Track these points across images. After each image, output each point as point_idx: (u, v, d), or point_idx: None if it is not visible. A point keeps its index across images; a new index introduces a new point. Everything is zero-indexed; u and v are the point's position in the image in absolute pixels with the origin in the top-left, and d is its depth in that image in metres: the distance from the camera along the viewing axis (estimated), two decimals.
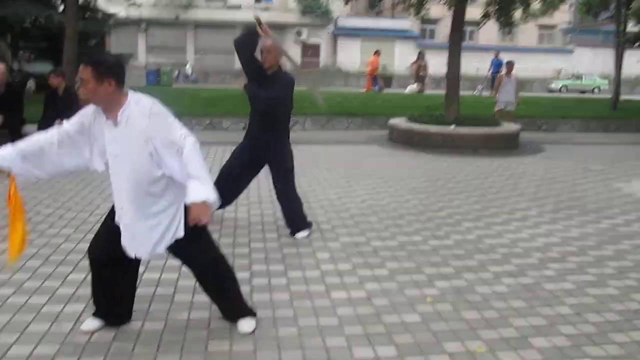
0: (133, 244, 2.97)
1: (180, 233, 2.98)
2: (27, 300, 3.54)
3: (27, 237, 2.99)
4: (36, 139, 2.90)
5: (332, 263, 4.31)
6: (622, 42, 16.48)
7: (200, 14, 36.19)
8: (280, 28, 37.67)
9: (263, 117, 4.76)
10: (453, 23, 10.99)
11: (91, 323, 3.20)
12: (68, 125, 2.93)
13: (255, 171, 5.09)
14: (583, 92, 30.35)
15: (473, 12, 15.04)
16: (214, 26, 36.83)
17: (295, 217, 4.99)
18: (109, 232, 3.03)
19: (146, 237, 2.95)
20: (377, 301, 3.65)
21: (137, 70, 25.23)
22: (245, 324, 3.21)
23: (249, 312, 3.27)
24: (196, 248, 3.07)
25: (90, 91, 2.78)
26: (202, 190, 2.74)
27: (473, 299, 3.72)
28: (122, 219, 2.96)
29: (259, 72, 4.70)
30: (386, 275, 4.11)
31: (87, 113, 2.93)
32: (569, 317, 3.53)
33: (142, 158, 2.84)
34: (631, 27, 17.43)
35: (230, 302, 3.27)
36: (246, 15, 36.25)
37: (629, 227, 5.57)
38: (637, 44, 15.84)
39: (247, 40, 4.65)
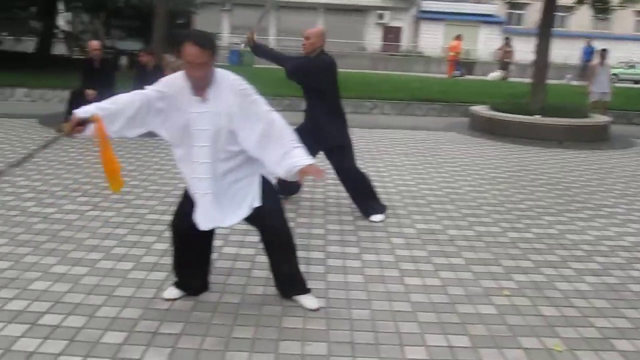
0: (209, 214, 3.02)
1: (256, 203, 3.05)
2: (114, 266, 3.74)
3: (119, 167, 3.05)
4: (119, 100, 2.92)
5: (407, 249, 4.28)
6: None
7: None
8: (361, 10, 37.46)
9: (306, 96, 4.91)
10: (544, 7, 10.51)
11: (172, 292, 3.34)
12: (150, 91, 2.95)
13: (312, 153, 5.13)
14: (637, 82, 27.93)
15: None
16: (296, 7, 37.05)
17: (362, 199, 4.98)
18: (190, 203, 3.11)
19: (222, 207, 3.02)
20: (451, 290, 3.60)
21: (222, 50, 25.78)
22: (310, 300, 3.27)
23: (307, 290, 3.33)
24: (276, 217, 3.16)
25: (209, 72, 2.86)
26: (306, 155, 2.91)
27: (552, 295, 3.60)
28: (200, 189, 3.00)
29: (300, 61, 4.83)
30: (462, 264, 4.04)
31: (171, 84, 2.95)
32: None
33: (226, 133, 2.92)
34: None
35: (296, 274, 3.33)
36: None
37: None
38: None
39: (262, 55, 5.16)
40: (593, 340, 3.07)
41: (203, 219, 3.03)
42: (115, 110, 2.86)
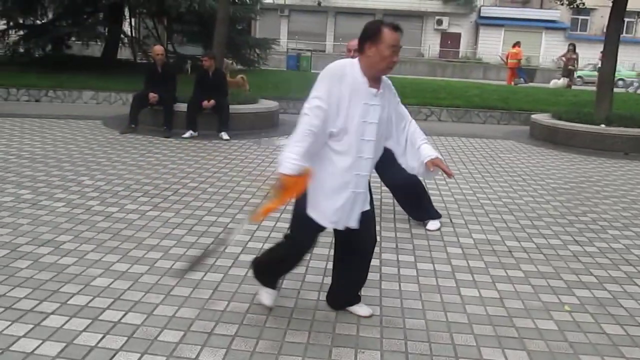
0: (352, 213, 2.93)
1: (367, 206, 3.04)
2: (172, 266, 3.82)
3: (269, 212, 2.98)
4: (305, 142, 2.71)
5: (463, 259, 4.20)
6: None
7: (342, 1, 36.60)
8: (419, 16, 37.17)
9: None
10: (612, 12, 10.14)
11: (269, 297, 3.30)
12: (320, 102, 2.75)
13: None
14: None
15: (636, 2, 13.82)
16: (353, 13, 37.13)
17: (413, 204, 4.92)
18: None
19: (360, 206, 2.96)
20: (509, 303, 3.50)
21: (279, 55, 26.10)
22: (363, 308, 3.26)
23: (359, 298, 3.31)
24: (374, 223, 3.20)
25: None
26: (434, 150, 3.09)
27: (617, 313, 3.45)
28: (358, 187, 2.90)
29: None
30: (521, 277, 3.93)
31: (335, 79, 2.80)
32: None
33: (389, 126, 3.02)
34: None
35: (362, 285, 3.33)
36: (387, 3, 36.20)
37: None
38: None
39: None
40: None
41: (348, 219, 2.92)
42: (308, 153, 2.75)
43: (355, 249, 3.12)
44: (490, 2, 37.79)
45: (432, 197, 5.19)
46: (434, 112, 12.78)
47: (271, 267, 3.28)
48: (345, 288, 3.27)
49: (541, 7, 36.80)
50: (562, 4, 11.68)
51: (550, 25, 36.17)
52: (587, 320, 3.35)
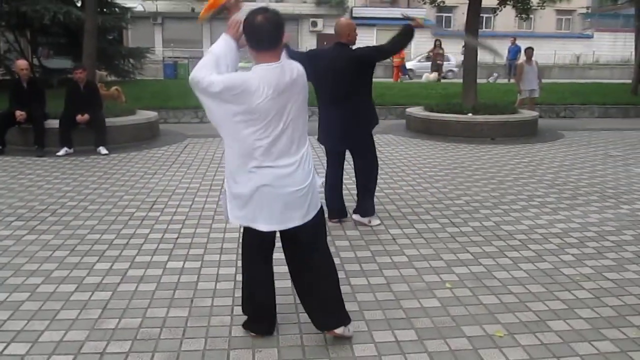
0: None
1: None
2: (55, 289, 3.65)
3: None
4: None
5: (351, 250, 4.37)
6: None
7: None
8: (295, 19, 37.69)
9: (351, 86, 4.95)
10: (469, 9, 10.91)
11: None
12: None
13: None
14: None
15: None
16: (229, 18, 36.92)
17: (369, 196, 5.13)
18: None
19: None
20: (395, 287, 3.70)
21: (155, 64, 25.39)
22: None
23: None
24: None
25: None
26: None
27: (492, 284, 3.76)
28: None
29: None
30: (405, 262, 4.16)
31: None
32: (588, 301, 3.56)
33: None
34: None
35: None
36: None
37: None
38: None
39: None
40: (531, 324, 3.23)
41: None
42: None
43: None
44: (361, 3, 39.10)
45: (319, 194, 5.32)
46: (315, 113, 13.02)
47: None
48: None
49: (408, 6, 38.58)
50: (424, 3, 12.38)
51: None
52: (466, 294, 3.62)
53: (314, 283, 2.96)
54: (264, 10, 2.78)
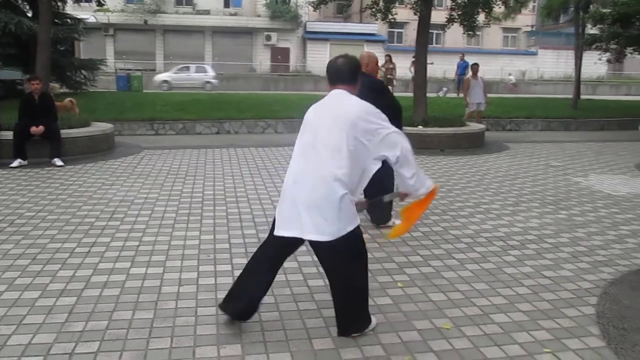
0: None
1: None
2: (20, 295, 3.72)
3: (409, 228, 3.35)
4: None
5: (308, 255, 4.57)
6: (581, 44, 17.16)
7: (169, 19, 36.17)
8: (249, 33, 37.92)
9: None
10: (419, 27, 11.37)
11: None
12: None
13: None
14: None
15: (439, 16, 15.53)
16: (183, 31, 36.85)
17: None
18: None
19: None
20: None
21: (107, 76, 25.13)
22: None
23: None
24: None
25: None
26: None
27: (440, 283, 4.03)
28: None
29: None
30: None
31: None
32: (527, 296, 3.87)
33: None
34: (589, 29, 18.15)
35: None
36: (215, 21, 36.42)
37: (583, 217, 5.97)
38: (593, 46, 16.49)
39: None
40: (475, 317, 3.51)
41: None
42: None
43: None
44: (315, 17, 39.66)
45: (274, 205, 5.50)
46: (270, 125, 13.27)
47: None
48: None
49: (361, 22, 39.41)
50: (376, 19, 12.78)
51: (371, 38, 38.86)
52: (416, 292, 3.88)
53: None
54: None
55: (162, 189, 6.89)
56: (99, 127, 9.97)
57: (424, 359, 3.01)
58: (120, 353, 3.02)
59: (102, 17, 33.27)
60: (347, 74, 3.24)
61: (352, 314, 3.19)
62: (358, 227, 3.07)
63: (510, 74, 36.01)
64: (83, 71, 17.77)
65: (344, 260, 3.07)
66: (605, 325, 3.46)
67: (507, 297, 3.83)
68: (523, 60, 41.56)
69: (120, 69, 28.57)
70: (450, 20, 12.11)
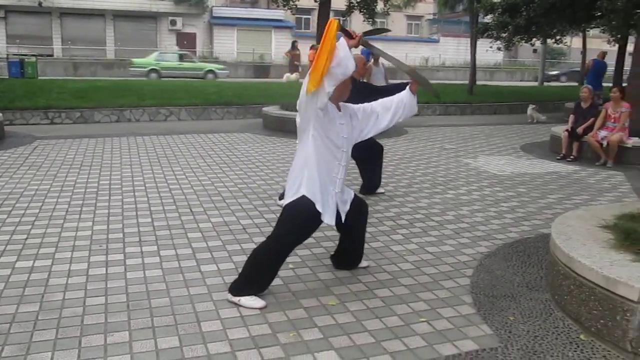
0: (333, 210, 3.55)
1: (352, 196, 3.93)
2: None
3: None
4: None
5: (203, 241, 4.63)
6: (475, 33, 18.03)
7: (66, 1, 34.36)
8: (153, 17, 36.79)
9: None
10: (319, 12, 11.55)
11: (259, 302, 3.49)
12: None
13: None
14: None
15: (340, 2, 15.77)
16: (82, 14, 35.16)
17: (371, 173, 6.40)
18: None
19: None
20: None
21: None
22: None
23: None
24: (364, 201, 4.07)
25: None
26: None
27: (329, 263, 4.21)
28: (338, 187, 3.57)
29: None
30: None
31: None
32: (410, 271, 4.12)
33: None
34: (482, 18, 19.09)
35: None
36: (116, 4, 35.01)
37: (469, 196, 6.38)
38: (485, 35, 17.38)
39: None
40: (360, 293, 3.71)
41: (330, 216, 3.49)
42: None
43: (357, 226, 3.92)
44: (222, 2, 39.04)
45: (172, 193, 5.50)
46: (173, 112, 13.04)
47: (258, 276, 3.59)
48: (353, 252, 4.09)
49: (268, 7, 39.21)
50: (278, 6, 12.86)
51: (278, 24, 38.79)
52: (306, 272, 4.04)
53: None
54: None
55: (54, 180, 6.66)
56: None
57: (309, 334, 3.16)
58: (1, 347, 2.96)
59: None
60: None
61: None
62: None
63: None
64: None
65: None
66: (478, 294, 3.76)
67: (392, 273, 4.07)
68: (426, 48, 42.98)
69: (14, 54, 26.88)
70: (350, 7, 12.38)
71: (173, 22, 36.87)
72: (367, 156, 6.07)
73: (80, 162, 7.70)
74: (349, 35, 3.35)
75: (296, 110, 10.99)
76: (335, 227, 3.83)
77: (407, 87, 3.90)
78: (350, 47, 3.27)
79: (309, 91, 3.25)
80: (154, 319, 3.28)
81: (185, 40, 37.61)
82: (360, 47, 3.50)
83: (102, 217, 5.22)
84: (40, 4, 33.38)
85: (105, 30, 36.35)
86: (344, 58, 3.18)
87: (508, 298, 3.71)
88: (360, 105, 3.83)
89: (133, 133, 10.53)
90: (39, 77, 19.33)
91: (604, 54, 15.07)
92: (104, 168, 7.37)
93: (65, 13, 35.13)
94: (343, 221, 3.68)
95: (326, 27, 3.22)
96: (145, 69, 24.97)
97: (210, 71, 25.88)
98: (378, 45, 4.04)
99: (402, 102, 3.86)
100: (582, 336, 3.21)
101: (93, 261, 4.16)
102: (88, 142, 9.31)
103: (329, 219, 3.48)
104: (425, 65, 40.28)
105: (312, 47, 22.06)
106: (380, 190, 6.38)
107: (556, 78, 36.71)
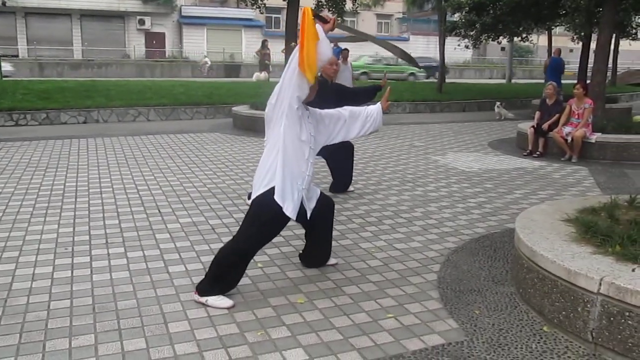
0: (297, 207, 3.52)
1: (319, 193, 3.93)
2: None
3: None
4: None
5: (171, 242, 4.59)
6: (443, 31, 18.22)
7: (31, 0, 33.67)
8: (121, 17, 36.30)
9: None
10: (288, 11, 11.54)
11: (227, 301, 3.48)
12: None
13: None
14: None
15: (309, 1, 15.78)
16: (47, 14, 34.52)
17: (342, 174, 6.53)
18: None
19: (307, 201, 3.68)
20: None
21: None
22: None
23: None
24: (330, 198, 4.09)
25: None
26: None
27: (298, 261, 4.21)
28: (305, 184, 3.55)
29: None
30: None
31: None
32: (378, 267, 4.16)
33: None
34: (451, 17, 19.31)
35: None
36: (82, 3, 34.44)
37: (437, 193, 6.45)
38: (453, 33, 17.58)
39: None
40: (328, 290, 3.73)
41: (293, 210, 3.46)
42: None
43: (323, 222, 3.92)
44: (191, 1, 38.71)
45: (140, 194, 5.45)
46: (142, 113, 12.90)
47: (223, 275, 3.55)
48: (320, 251, 4.11)
49: (238, 7, 39.00)
50: (246, 5, 12.81)
51: (248, 24, 38.63)
52: (275, 271, 4.04)
53: None
54: None
55: (19, 182, 6.54)
56: None
57: (277, 333, 3.16)
58: None
59: None
60: None
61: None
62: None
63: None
64: None
65: None
66: (444, 289, 3.81)
67: (360, 270, 4.09)
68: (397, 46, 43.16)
69: None
70: (319, 5, 12.39)
71: (141, 22, 36.44)
72: (338, 155, 6.10)
73: (46, 164, 7.57)
74: (323, 20, 3.37)
75: (263, 109, 11.01)
76: (301, 225, 3.84)
77: (379, 104, 4.02)
78: (326, 32, 3.30)
79: (311, 82, 3.31)
80: (120, 321, 3.25)
81: (154, 40, 37.22)
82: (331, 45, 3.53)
83: (67, 220, 5.15)
84: (4, 3, 32.61)
85: (72, 30, 35.74)
86: (322, 43, 3.22)
87: (474, 292, 3.76)
88: (326, 110, 3.87)
89: (100, 134, 10.38)
90: (3, 78, 18.87)
91: (559, 51, 15.33)
92: (71, 170, 7.25)
93: (30, 13, 34.45)
94: (308, 218, 3.69)
95: (302, 16, 3.24)
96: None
97: (412, 74, 29.58)
98: (348, 44, 4.14)
99: (371, 117, 3.98)
100: (545, 328, 3.28)
101: (58, 264, 4.10)
102: (54, 144, 9.16)
103: (291, 212, 3.47)
104: (396, 63, 40.48)
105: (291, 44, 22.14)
106: (350, 188, 6.42)
107: None
